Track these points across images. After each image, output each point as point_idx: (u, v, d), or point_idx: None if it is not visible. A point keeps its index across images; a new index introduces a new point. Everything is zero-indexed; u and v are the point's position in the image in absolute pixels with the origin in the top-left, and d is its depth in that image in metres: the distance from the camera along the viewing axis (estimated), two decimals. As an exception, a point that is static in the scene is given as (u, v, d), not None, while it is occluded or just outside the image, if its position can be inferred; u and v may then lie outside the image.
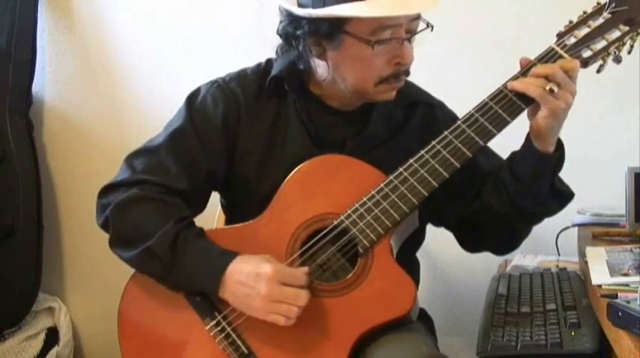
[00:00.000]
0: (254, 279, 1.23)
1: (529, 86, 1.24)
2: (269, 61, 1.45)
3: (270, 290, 1.21)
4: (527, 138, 1.31)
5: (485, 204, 1.37)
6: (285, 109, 1.41)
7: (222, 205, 1.56)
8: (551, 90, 1.22)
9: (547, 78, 1.23)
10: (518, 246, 1.45)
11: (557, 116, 1.25)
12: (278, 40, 1.43)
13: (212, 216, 1.62)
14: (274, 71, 1.40)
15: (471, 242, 1.48)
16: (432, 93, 1.51)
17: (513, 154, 1.35)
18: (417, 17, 1.31)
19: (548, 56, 1.29)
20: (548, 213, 1.39)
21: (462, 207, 1.40)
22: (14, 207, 2.19)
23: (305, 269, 1.26)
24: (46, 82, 2.36)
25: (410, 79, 1.40)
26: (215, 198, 1.52)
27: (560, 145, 1.31)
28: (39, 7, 2.28)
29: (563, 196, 1.36)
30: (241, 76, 1.44)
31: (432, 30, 1.32)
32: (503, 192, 1.34)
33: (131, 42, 2.31)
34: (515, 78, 1.29)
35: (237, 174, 1.42)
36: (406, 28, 1.30)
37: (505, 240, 1.44)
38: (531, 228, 1.43)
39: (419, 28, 1.32)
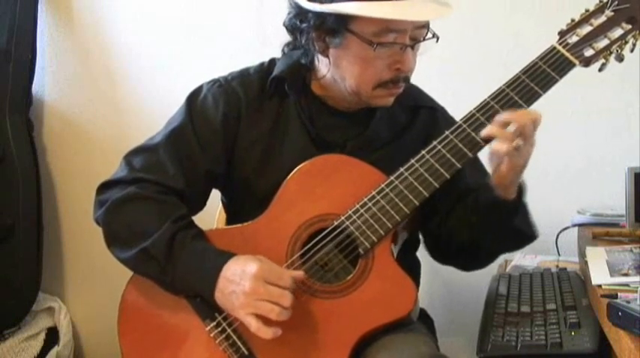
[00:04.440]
0: (240, 276, 1.22)
1: (499, 142, 1.21)
2: (272, 61, 1.45)
3: (253, 288, 1.20)
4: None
5: (449, 226, 1.37)
6: (286, 110, 1.41)
7: (222, 203, 1.56)
8: (517, 148, 1.20)
9: (515, 127, 1.20)
10: (484, 266, 1.45)
11: (517, 171, 1.24)
12: (278, 40, 1.44)
13: (212, 215, 1.62)
14: (276, 71, 1.40)
15: (438, 256, 1.48)
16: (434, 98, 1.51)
17: (480, 186, 1.32)
18: (423, 26, 1.30)
19: (550, 55, 1.29)
20: (505, 250, 1.42)
21: (433, 218, 1.40)
22: (14, 207, 2.19)
23: (297, 272, 1.25)
24: (46, 82, 2.36)
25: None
26: (216, 197, 1.52)
27: (520, 190, 1.29)
28: (39, 7, 2.28)
29: (521, 237, 1.36)
30: (244, 75, 1.44)
31: (437, 41, 1.32)
32: (465, 221, 1.34)
33: (131, 42, 2.31)
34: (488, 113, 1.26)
35: (237, 173, 1.41)
36: (411, 35, 1.29)
37: (468, 261, 1.45)
38: (496, 255, 1.43)
39: (425, 37, 1.31)
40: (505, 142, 1.20)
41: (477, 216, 1.32)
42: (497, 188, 1.27)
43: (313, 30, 1.32)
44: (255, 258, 1.25)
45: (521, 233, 1.35)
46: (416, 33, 1.30)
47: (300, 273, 1.26)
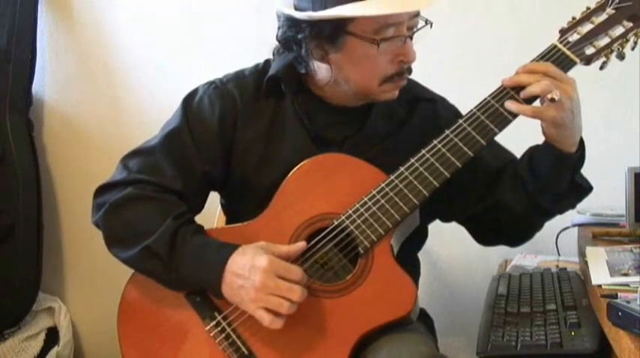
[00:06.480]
0: (249, 270, 1.22)
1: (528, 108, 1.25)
2: (267, 62, 1.45)
3: (264, 282, 1.20)
4: None
5: (501, 202, 1.37)
6: (283, 109, 1.41)
7: (222, 206, 1.56)
8: (552, 99, 1.20)
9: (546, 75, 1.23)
10: (533, 237, 1.45)
11: (561, 125, 1.24)
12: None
13: (212, 216, 1.62)
14: (271, 71, 1.40)
15: (486, 237, 1.49)
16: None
17: (532, 151, 1.34)
18: (417, 14, 1.31)
19: (551, 54, 1.28)
20: (568, 208, 1.40)
21: (471, 205, 1.41)
22: (14, 207, 2.19)
23: (300, 244, 1.26)
24: (46, 82, 2.36)
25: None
26: (216, 199, 1.51)
27: (581, 144, 1.31)
28: (39, 7, 2.28)
29: (581, 191, 1.36)
30: (239, 76, 1.44)
31: (431, 27, 1.32)
32: (521, 190, 1.34)
33: (131, 42, 2.31)
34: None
35: (236, 174, 1.41)
36: (407, 25, 1.30)
37: (520, 234, 1.45)
38: (546, 221, 1.43)
39: (419, 26, 1.32)
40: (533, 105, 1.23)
41: (535, 183, 1.31)
42: (552, 143, 1.28)
43: (310, 39, 1.31)
44: (260, 248, 1.25)
45: (580, 186, 1.35)
46: (411, 22, 1.30)
47: (302, 244, 1.26)
